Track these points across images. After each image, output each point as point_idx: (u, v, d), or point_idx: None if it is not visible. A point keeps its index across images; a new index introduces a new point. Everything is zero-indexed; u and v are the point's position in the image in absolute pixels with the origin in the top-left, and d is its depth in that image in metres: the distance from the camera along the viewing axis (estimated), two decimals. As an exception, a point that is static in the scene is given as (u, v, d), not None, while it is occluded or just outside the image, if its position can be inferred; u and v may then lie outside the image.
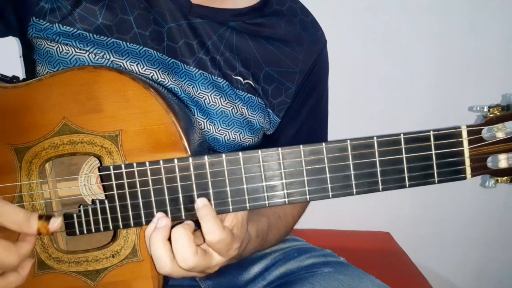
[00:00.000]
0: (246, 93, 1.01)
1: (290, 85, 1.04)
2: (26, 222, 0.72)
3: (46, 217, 0.73)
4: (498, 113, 0.73)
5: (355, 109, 1.76)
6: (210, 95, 0.98)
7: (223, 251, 0.74)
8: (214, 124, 0.99)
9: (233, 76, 0.99)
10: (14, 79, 0.87)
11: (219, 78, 0.98)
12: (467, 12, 1.73)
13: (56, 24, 0.91)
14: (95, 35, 0.92)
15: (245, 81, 1.00)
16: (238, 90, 1.00)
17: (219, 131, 0.99)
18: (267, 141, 1.09)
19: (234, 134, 1.01)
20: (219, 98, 0.98)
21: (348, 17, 1.67)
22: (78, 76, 0.76)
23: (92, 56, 0.92)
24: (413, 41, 1.73)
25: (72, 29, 0.91)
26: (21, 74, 0.92)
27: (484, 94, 1.72)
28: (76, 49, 0.92)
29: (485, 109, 0.73)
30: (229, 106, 0.99)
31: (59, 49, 0.91)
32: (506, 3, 1.73)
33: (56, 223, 0.73)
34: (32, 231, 0.73)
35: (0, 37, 1.01)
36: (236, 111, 1.00)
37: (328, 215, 1.73)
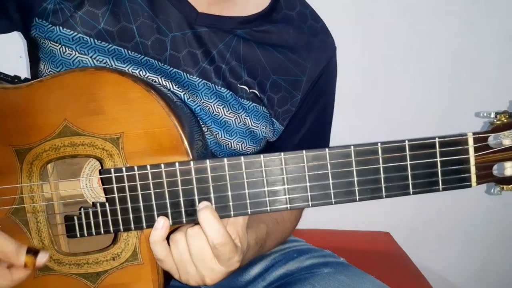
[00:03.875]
0: (251, 103, 0.99)
1: (296, 93, 1.03)
2: (15, 254, 0.74)
3: (34, 252, 0.74)
4: (505, 120, 0.72)
5: (359, 116, 1.75)
6: (213, 105, 0.97)
7: (225, 258, 0.73)
8: (217, 133, 0.98)
9: (238, 85, 0.98)
10: (15, 79, 0.86)
11: (222, 88, 0.97)
12: (475, 16, 1.71)
13: (58, 27, 0.90)
14: (96, 41, 0.91)
15: (250, 90, 0.98)
16: (242, 100, 0.99)
17: (221, 139, 0.98)
18: (269, 148, 1.07)
19: (236, 143, 1.00)
20: (222, 108, 0.97)
21: (349, 18, 1.65)
22: (79, 77, 0.76)
23: (94, 61, 0.91)
24: (418, 46, 1.72)
25: (73, 32, 0.90)
26: (22, 73, 0.91)
27: (492, 100, 1.71)
28: (78, 53, 0.91)
29: (492, 115, 0.73)
30: (232, 116, 0.98)
31: (62, 50, 0.91)
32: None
33: (43, 259, 0.75)
34: (19, 263, 0.74)
35: (6, 33, 1.00)
36: (239, 121, 0.99)
37: (328, 215, 1.72)
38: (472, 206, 1.96)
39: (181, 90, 0.95)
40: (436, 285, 1.47)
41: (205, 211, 0.72)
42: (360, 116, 1.75)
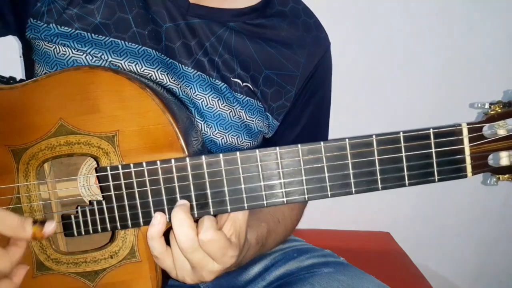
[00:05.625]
0: (244, 96, 1.00)
1: (290, 89, 1.03)
2: (21, 226, 0.72)
3: (40, 222, 0.73)
4: (499, 110, 0.72)
5: (354, 108, 1.75)
6: (208, 97, 0.97)
7: (217, 254, 0.73)
8: (211, 127, 0.98)
9: (231, 78, 0.98)
10: (11, 80, 0.86)
11: (217, 80, 0.97)
12: (467, 8, 1.72)
13: (53, 24, 0.90)
14: (93, 35, 0.91)
15: (244, 84, 0.99)
16: (236, 93, 0.99)
17: (216, 134, 0.98)
18: (267, 144, 1.07)
19: (231, 137, 1.00)
20: (217, 100, 0.98)
21: (348, 16, 1.67)
22: (74, 76, 0.76)
23: (89, 57, 0.91)
24: (413, 39, 1.73)
25: (70, 29, 0.91)
26: (21, 74, 0.91)
27: (486, 91, 1.71)
28: (73, 50, 0.91)
29: (486, 106, 0.73)
30: (227, 109, 0.98)
31: (57, 50, 0.91)
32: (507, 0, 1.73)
33: (50, 227, 0.73)
34: (27, 235, 0.72)
35: (1, 36, 1.00)
36: (233, 115, 0.99)
37: (328, 215, 1.72)
38: (472, 205, 1.96)
39: (176, 83, 0.95)
40: (436, 285, 1.47)
41: (179, 211, 0.71)
42: (354, 111, 1.76)
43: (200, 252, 0.72)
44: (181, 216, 0.71)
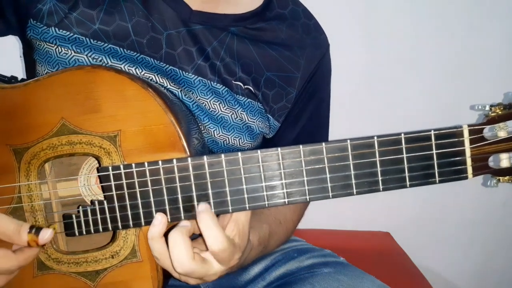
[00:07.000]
0: (246, 99, 1.00)
1: (291, 90, 1.03)
2: (17, 233, 0.72)
3: (36, 229, 0.73)
4: (500, 112, 0.72)
5: (355, 109, 1.76)
6: (209, 101, 0.97)
7: (225, 260, 0.73)
8: (214, 129, 0.98)
9: (233, 81, 0.98)
10: (12, 79, 0.87)
11: (218, 85, 0.98)
12: (468, 10, 1.72)
13: (53, 28, 0.91)
14: (92, 40, 0.91)
15: (245, 86, 0.99)
16: (238, 96, 0.99)
17: (218, 135, 0.99)
18: (267, 145, 1.07)
19: (233, 139, 1.00)
20: (218, 104, 0.98)
21: (348, 17, 1.67)
22: (76, 76, 0.76)
23: (90, 59, 0.91)
24: (413, 40, 1.73)
25: (68, 33, 0.91)
26: (21, 74, 0.91)
27: (486, 93, 1.71)
28: (74, 52, 0.91)
29: (487, 108, 0.73)
30: (229, 112, 0.99)
31: (58, 50, 0.91)
32: (507, 1, 1.73)
33: (46, 235, 0.72)
34: (22, 242, 0.72)
35: (2, 36, 1.01)
36: (235, 117, 0.99)
37: (328, 215, 1.72)
38: (472, 205, 1.97)
39: (177, 88, 0.95)
40: (436, 285, 1.47)
41: (204, 217, 0.72)
42: (356, 112, 1.76)
43: (200, 269, 0.72)
44: (208, 221, 0.72)
